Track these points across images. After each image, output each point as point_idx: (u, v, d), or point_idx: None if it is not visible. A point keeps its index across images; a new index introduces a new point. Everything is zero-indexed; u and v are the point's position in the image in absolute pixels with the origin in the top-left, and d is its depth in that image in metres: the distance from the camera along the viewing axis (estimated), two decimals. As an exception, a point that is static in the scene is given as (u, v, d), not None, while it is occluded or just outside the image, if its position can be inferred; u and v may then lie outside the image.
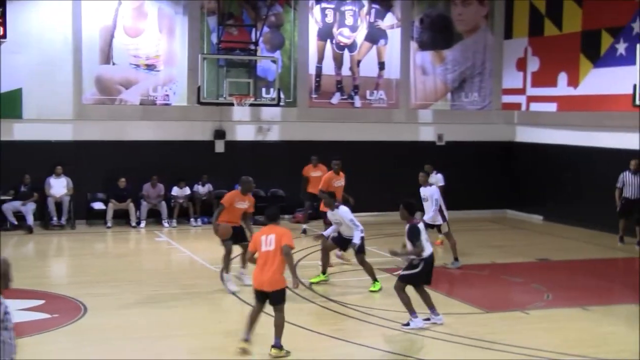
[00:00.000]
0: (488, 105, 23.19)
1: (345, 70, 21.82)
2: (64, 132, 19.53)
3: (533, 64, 22.21)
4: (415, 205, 10.93)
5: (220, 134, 20.62)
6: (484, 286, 13.88)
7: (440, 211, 14.75)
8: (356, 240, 12.64)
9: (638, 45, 16.54)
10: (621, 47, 19.13)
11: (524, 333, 10.69)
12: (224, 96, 19.61)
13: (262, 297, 9.49)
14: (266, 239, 9.38)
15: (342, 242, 13.22)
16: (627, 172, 17.47)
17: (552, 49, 21.47)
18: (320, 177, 17.47)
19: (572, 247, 17.65)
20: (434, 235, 15.21)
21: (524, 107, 22.61)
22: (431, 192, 14.71)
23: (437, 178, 16.85)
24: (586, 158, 20.11)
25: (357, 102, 21.99)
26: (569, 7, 20.84)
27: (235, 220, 12.92)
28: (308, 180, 18.60)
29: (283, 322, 9.48)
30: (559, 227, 20.11)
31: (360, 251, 12.77)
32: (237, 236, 12.94)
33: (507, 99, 23.15)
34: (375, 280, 12.91)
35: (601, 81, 19.71)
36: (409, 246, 10.61)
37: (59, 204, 19.00)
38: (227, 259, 12.91)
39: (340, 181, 16.00)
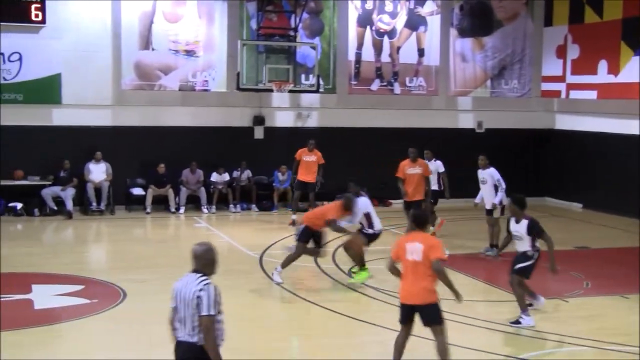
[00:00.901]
0: (528, 93, 23.05)
1: (385, 57, 21.81)
2: (103, 118, 19.70)
3: (573, 52, 22.02)
4: (525, 200, 10.67)
5: (259, 120, 20.75)
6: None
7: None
8: None
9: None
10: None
11: (563, 320, 10.71)
12: (264, 82, 19.74)
13: (409, 313, 8.23)
14: (412, 246, 8.16)
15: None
16: None
17: (592, 36, 21.26)
18: (314, 162, 17.62)
19: (611, 235, 17.54)
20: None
21: (563, 95, 22.44)
22: (490, 174, 14.90)
23: (436, 165, 16.61)
24: (625, 146, 19.92)
25: (397, 89, 21.98)
26: (611, -5, 20.64)
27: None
28: (299, 164, 18.02)
29: (446, 347, 8.15)
30: (598, 215, 19.95)
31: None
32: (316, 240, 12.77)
33: (547, 86, 22.99)
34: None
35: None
36: (527, 242, 10.38)
37: (98, 190, 19.17)
38: (293, 260, 12.58)
39: (415, 169, 15.77)
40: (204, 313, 5.97)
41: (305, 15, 20.85)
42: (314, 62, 20.54)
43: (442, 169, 16.81)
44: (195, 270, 6.20)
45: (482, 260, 14.77)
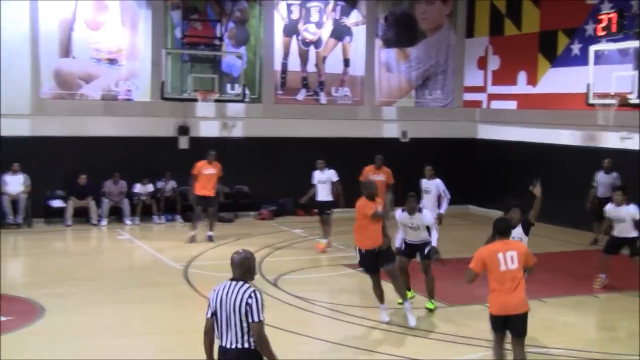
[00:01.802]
0: (450, 103, 23.45)
1: (311, 67, 21.89)
2: (20, 128, 19.03)
3: (494, 63, 22.55)
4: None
5: (184, 130, 20.54)
6: (447, 280, 14.01)
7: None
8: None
9: (590, 47, 16.86)
10: (576, 48, 19.59)
11: (485, 326, 10.82)
12: (188, 92, 19.57)
13: (504, 326, 8.19)
14: (504, 256, 8.07)
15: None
16: (601, 172, 17.40)
17: (512, 48, 21.83)
18: (214, 175, 16.92)
19: (532, 242, 17.87)
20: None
21: (485, 105, 22.94)
22: (436, 184, 15.03)
23: (329, 174, 16.44)
24: (545, 155, 20.46)
25: (323, 98, 22.08)
26: (527, 8, 21.25)
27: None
28: (197, 178, 17.02)
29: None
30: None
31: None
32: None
33: (469, 96, 23.45)
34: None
35: (558, 80, 20.18)
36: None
37: (15, 202, 18.60)
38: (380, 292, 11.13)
39: (378, 176, 15.77)
40: (256, 320, 6.17)
41: (230, 25, 20.77)
42: (240, 71, 20.47)
43: (335, 178, 16.49)
44: (235, 279, 6.34)
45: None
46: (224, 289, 6.32)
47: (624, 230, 13.02)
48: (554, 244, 17.31)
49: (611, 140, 18.55)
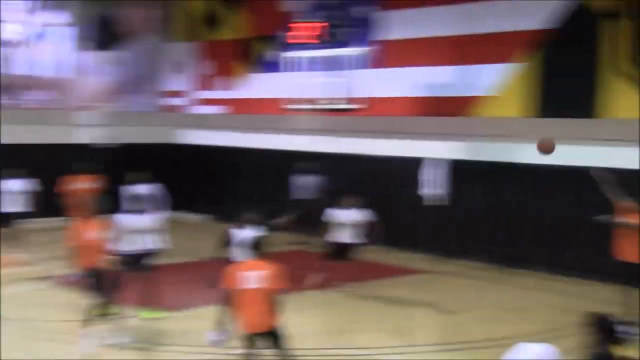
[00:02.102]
0: (152, 108, 23.44)
1: (10, 69, 20.72)
2: None
3: (196, 68, 22.89)
4: None
5: None
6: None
7: None
8: None
9: (285, 54, 17.66)
10: (271, 55, 20.47)
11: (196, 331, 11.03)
12: None
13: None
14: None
15: None
16: (298, 174, 18.07)
17: (212, 53, 22.32)
18: None
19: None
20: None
21: (187, 110, 23.22)
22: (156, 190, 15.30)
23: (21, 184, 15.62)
24: (246, 159, 21.16)
25: (19, 102, 20.97)
26: (227, 15, 21.81)
27: None
28: None
29: None
30: (220, 225, 20.63)
31: None
32: None
33: (171, 101, 23.60)
34: None
35: (256, 86, 20.98)
36: None
37: None
38: None
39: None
40: None
41: None
42: None
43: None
44: None
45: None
46: None
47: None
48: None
49: (308, 143, 19.47)
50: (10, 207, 15.54)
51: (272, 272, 7.82)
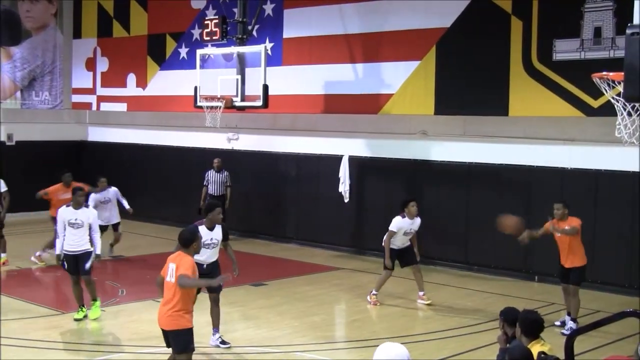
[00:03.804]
0: (59, 105, 22.97)
1: None
2: None
3: (102, 65, 22.54)
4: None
5: None
6: (59, 287, 13.87)
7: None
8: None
9: (197, 50, 17.63)
10: (183, 51, 20.34)
11: (99, 330, 10.95)
12: None
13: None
14: (171, 268, 7.94)
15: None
16: (211, 171, 18.25)
17: (121, 50, 22.01)
18: None
19: (144, 243, 18.32)
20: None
21: (94, 107, 22.83)
22: (114, 193, 15.83)
23: None
24: (158, 156, 21.01)
25: None
26: (136, 11, 21.57)
27: None
28: None
29: None
30: (133, 224, 20.49)
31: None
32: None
33: (78, 98, 23.16)
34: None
35: (167, 83, 20.74)
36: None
37: None
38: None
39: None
40: None
41: None
42: None
43: (3, 188, 15.19)
44: None
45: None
46: None
47: (404, 242, 12.70)
48: (168, 243, 17.86)
49: (219, 140, 19.58)
50: None
51: None
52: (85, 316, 11.40)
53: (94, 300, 11.47)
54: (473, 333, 11.01)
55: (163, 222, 20.31)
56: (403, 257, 12.65)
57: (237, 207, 18.57)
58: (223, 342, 10.19)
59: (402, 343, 4.90)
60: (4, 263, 15.16)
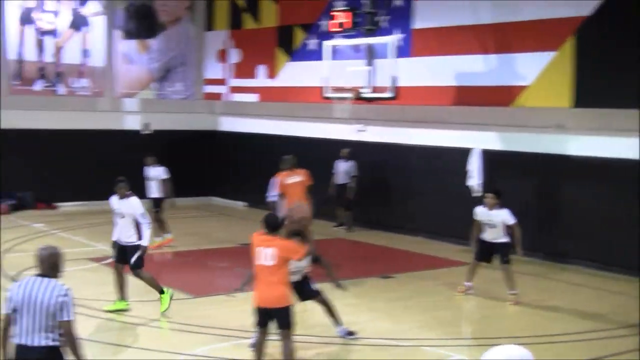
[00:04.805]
0: (191, 95, 23.62)
1: (48, 57, 21.02)
2: None
3: (234, 56, 22.98)
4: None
5: None
6: (191, 272, 14.17)
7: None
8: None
9: (326, 42, 17.64)
10: (312, 43, 20.44)
11: (230, 315, 11.11)
12: None
13: (265, 318, 8.35)
14: (264, 252, 8.18)
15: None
16: (340, 160, 18.47)
17: (251, 41, 22.37)
18: None
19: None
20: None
21: (225, 97, 23.36)
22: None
23: (158, 170, 16.02)
24: (286, 146, 21.21)
25: (61, 89, 21.30)
26: (265, 3, 21.87)
27: None
28: None
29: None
30: (262, 212, 20.87)
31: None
32: None
33: (210, 89, 23.74)
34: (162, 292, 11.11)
35: (296, 74, 20.92)
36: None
37: None
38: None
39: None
40: (68, 318, 6.03)
41: (-43, 10, 19.39)
42: (-32, 59, 19.23)
43: (164, 176, 15.97)
44: (41, 274, 6.11)
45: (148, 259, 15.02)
46: (29, 285, 6.08)
47: (495, 235, 12.23)
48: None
49: (346, 132, 19.59)
50: (151, 193, 16.09)
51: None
52: (120, 310, 10.95)
53: (162, 293, 10.98)
54: (605, 339, 10.53)
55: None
56: (492, 251, 12.30)
57: (363, 199, 18.57)
58: (349, 333, 10.09)
59: (534, 344, 4.76)
60: (166, 242, 15.92)
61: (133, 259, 10.77)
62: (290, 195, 13.63)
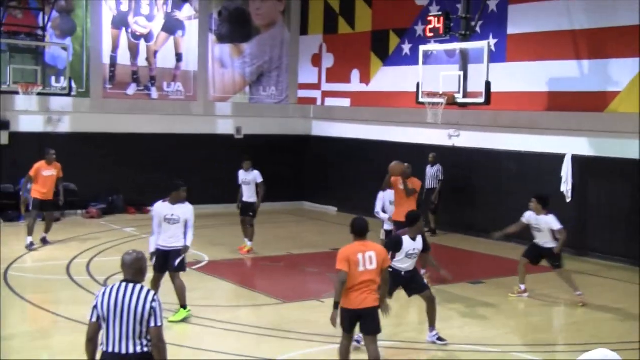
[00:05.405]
0: (285, 100, 23.48)
1: (142, 61, 21.24)
2: None
3: (327, 61, 22.79)
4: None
5: (3, 124, 19.31)
6: (281, 277, 14.03)
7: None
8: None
9: (420, 46, 17.38)
10: (406, 48, 20.12)
11: (320, 321, 10.83)
12: (8, 84, 18.37)
13: (354, 321, 8.29)
14: (363, 257, 8.22)
15: None
16: (428, 165, 18.43)
17: (345, 46, 22.14)
18: (53, 176, 15.57)
19: (370, 236, 18.15)
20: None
21: (319, 102, 23.14)
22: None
23: (254, 174, 15.62)
24: (377, 151, 20.85)
25: (154, 93, 21.49)
26: (360, 8, 21.64)
27: None
28: (34, 180, 15.56)
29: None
30: (352, 217, 20.48)
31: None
32: None
33: (303, 93, 23.58)
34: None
35: (389, 79, 20.66)
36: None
37: None
38: None
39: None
40: (158, 324, 5.93)
41: (54, 14, 19.76)
42: (65, 63, 19.54)
43: (260, 179, 15.64)
44: (127, 280, 6.03)
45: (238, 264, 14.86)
46: (116, 291, 5.95)
47: (543, 240, 12.38)
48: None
49: (439, 137, 19.16)
50: (246, 197, 15.70)
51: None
52: (183, 319, 10.67)
53: (183, 307, 10.71)
54: None
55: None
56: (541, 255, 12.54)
57: (453, 203, 18.49)
58: (440, 339, 10.06)
59: (624, 350, 4.44)
60: (248, 251, 15.61)
61: (177, 261, 10.61)
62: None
